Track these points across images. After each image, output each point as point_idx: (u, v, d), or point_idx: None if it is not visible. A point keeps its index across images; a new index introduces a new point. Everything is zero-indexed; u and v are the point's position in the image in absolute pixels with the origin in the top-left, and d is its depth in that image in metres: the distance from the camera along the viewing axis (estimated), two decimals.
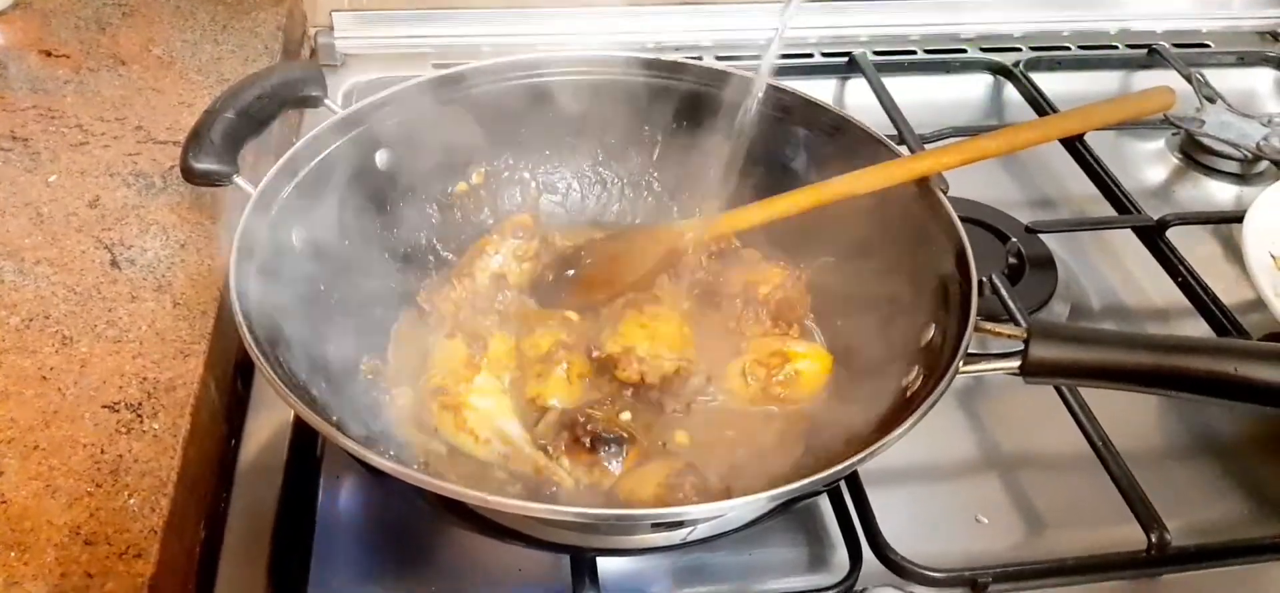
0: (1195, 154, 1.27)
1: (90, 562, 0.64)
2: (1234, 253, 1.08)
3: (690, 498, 0.70)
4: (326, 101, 0.89)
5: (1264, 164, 1.23)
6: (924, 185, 0.83)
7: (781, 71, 1.32)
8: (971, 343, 0.70)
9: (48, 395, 0.74)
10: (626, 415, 0.79)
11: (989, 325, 0.71)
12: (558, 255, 0.93)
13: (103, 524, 0.66)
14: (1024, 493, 0.84)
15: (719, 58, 1.34)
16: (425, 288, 0.90)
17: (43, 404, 0.74)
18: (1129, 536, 0.76)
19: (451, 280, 0.89)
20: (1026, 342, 0.67)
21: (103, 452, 0.71)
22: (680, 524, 0.67)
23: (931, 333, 0.75)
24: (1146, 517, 0.76)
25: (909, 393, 0.72)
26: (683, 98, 0.97)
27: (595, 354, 0.83)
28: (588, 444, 0.74)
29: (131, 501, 0.68)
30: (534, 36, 1.34)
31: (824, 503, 0.79)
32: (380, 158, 0.90)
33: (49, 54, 1.15)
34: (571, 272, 0.91)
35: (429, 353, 0.83)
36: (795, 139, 0.92)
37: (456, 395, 0.77)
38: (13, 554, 0.64)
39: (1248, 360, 0.61)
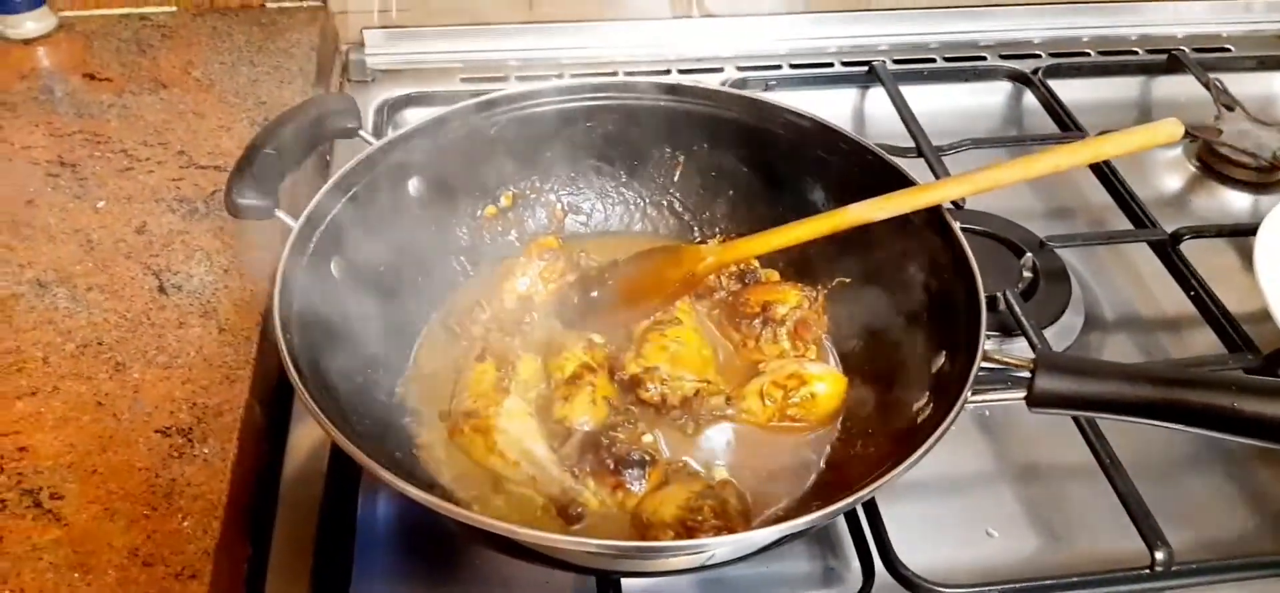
0: (1213, 162, 1.28)
1: (149, 582, 0.68)
2: (1250, 261, 1.09)
3: (709, 521, 0.73)
4: (361, 133, 0.93)
5: None
6: (938, 212, 0.85)
7: (802, 83, 1.35)
8: (982, 365, 0.73)
9: (103, 421, 0.79)
10: (649, 437, 0.83)
11: (997, 355, 0.73)
12: (582, 277, 0.96)
13: (159, 546, 0.71)
14: (1035, 507, 0.86)
15: (739, 69, 1.37)
16: (455, 310, 0.93)
17: (99, 429, 0.78)
18: (1138, 549, 0.78)
19: (480, 303, 0.93)
20: (1032, 373, 0.70)
21: (157, 476, 0.75)
22: (701, 551, 0.70)
23: (941, 360, 0.78)
24: (1149, 533, 0.78)
25: (920, 419, 0.75)
26: (703, 121, 0.99)
27: (618, 376, 0.86)
28: (611, 467, 0.78)
29: (185, 523, 0.72)
30: (559, 52, 1.37)
31: (839, 518, 0.82)
32: (413, 186, 0.94)
33: (92, 77, 1.20)
34: (595, 293, 0.94)
35: (459, 375, 0.87)
36: (813, 164, 0.95)
37: (486, 419, 0.81)
38: (76, 575, 0.69)
39: (1244, 395, 0.63)
